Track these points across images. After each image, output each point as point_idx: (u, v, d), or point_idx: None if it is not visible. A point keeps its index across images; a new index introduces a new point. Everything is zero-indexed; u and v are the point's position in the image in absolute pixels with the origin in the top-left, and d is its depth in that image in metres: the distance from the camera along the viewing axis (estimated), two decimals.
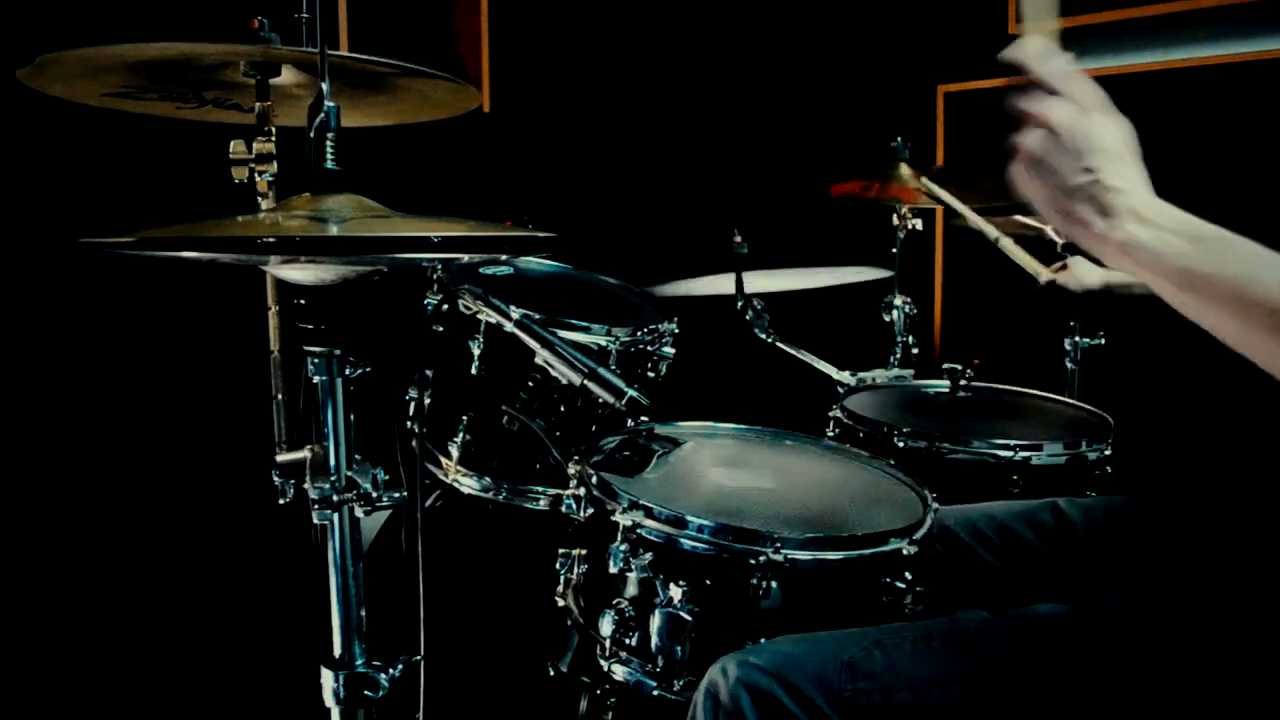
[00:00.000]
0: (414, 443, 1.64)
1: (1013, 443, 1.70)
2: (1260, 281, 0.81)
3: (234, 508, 2.20)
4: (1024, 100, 0.91)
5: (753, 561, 1.18)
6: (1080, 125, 0.89)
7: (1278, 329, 0.79)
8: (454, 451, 1.78)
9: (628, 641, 1.24)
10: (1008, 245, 1.64)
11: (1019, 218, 2.30)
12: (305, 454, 1.11)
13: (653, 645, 1.22)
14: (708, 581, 1.21)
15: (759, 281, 2.23)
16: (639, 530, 1.25)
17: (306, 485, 1.10)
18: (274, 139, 1.30)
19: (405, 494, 1.12)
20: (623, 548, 1.25)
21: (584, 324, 1.73)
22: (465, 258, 1.72)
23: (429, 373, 1.75)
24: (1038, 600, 1.13)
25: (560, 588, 1.42)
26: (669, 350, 1.87)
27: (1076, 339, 2.33)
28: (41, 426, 2.16)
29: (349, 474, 1.09)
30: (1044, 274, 1.64)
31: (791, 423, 1.69)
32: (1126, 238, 0.87)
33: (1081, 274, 1.76)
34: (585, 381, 1.39)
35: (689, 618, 1.19)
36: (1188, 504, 1.30)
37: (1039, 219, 2.29)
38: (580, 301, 1.97)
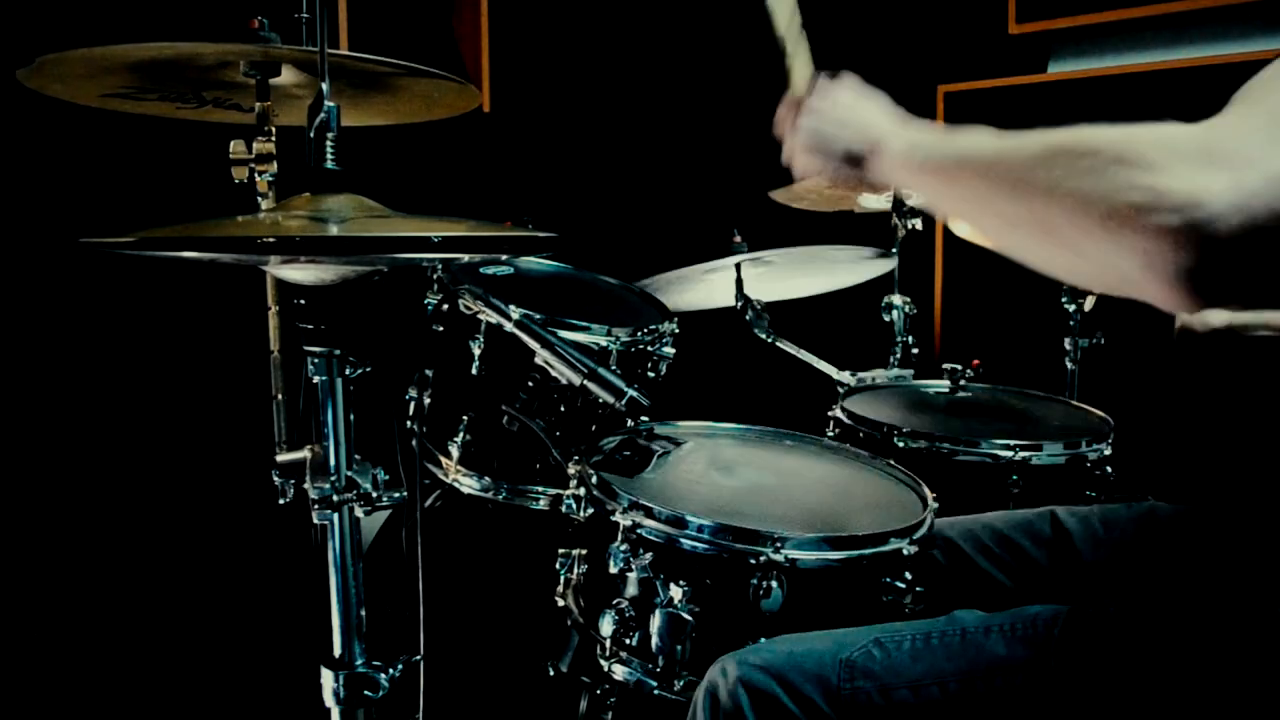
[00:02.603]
0: (414, 443, 1.64)
1: (1013, 443, 1.70)
2: (996, 146, 0.87)
3: (234, 508, 2.20)
4: (786, 114, 1.17)
5: (753, 561, 1.18)
6: (821, 108, 1.12)
7: (1017, 188, 0.83)
8: (454, 451, 1.78)
9: (628, 641, 1.24)
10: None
11: None
12: (305, 454, 1.11)
13: (653, 645, 1.22)
14: (708, 581, 1.21)
15: (760, 289, 2.23)
16: (639, 530, 1.25)
17: (306, 485, 1.10)
18: (274, 139, 1.30)
19: (405, 494, 1.12)
20: (623, 548, 1.25)
21: (584, 324, 1.73)
22: (465, 258, 1.72)
23: (429, 373, 1.75)
24: None
25: (560, 588, 1.42)
26: (669, 350, 1.87)
27: (1076, 339, 2.33)
28: (41, 426, 2.15)
29: (349, 474, 1.09)
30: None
31: (791, 423, 1.69)
32: (896, 154, 1.01)
33: (1207, 315, 1.73)
34: (585, 381, 1.39)
35: (689, 618, 1.19)
36: (1185, 511, 1.31)
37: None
38: (580, 301, 1.97)
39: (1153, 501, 1.36)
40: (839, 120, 1.09)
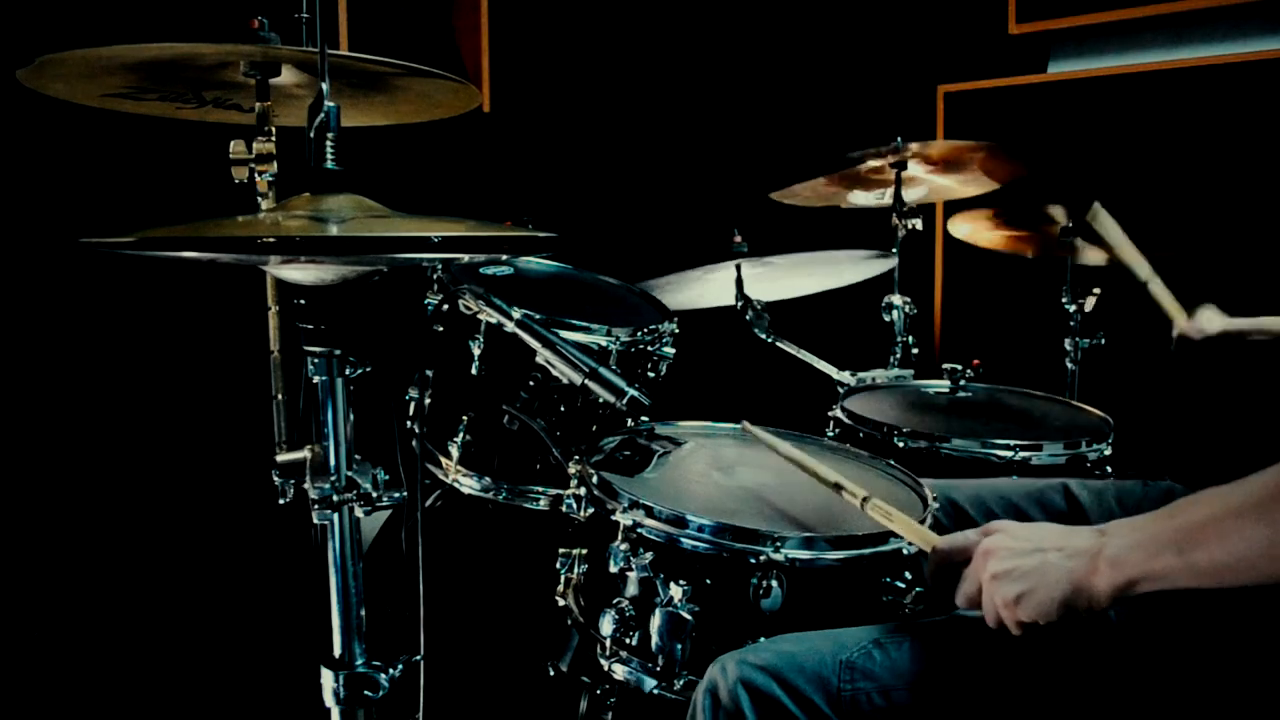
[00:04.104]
0: (414, 443, 1.64)
1: (1013, 443, 1.70)
2: (1232, 507, 0.88)
3: (234, 508, 2.20)
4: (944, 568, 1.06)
5: (753, 561, 1.18)
6: (1000, 542, 1.00)
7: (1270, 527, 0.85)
8: (454, 451, 1.78)
9: (628, 641, 1.24)
10: (1157, 289, 1.64)
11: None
12: (305, 454, 1.11)
13: (653, 644, 1.22)
14: (708, 581, 1.21)
15: (760, 289, 2.23)
16: (639, 529, 1.25)
17: (306, 485, 1.10)
18: (274, 139, 1.30)
19: (405, 494, 1.12)
20: (623, 547, 1.25)
21: (584, 324, 1.73)
22: (465, 258, 1.72)
23: (429, 373, 1.75)
24: None
25: (560, 587, 1.42)
26: (669, 350, 1.87)
27: (1076, 339, 2.33)
28: (42, 427, 2.15)
29: (349, 474, 1.09)
30: (1180, 322, 1.65)
31: (791, 423, 1.69)
32: (1120, 570, 0.93)
33: (1202, 322, 1.74)
34: (586, 381, 1.39)
35: (689, 617, 1.19)
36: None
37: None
38: (580, 301, 1.97)
39: (1170, 482, 1.35)
40: (1033, 549, 0.97)
